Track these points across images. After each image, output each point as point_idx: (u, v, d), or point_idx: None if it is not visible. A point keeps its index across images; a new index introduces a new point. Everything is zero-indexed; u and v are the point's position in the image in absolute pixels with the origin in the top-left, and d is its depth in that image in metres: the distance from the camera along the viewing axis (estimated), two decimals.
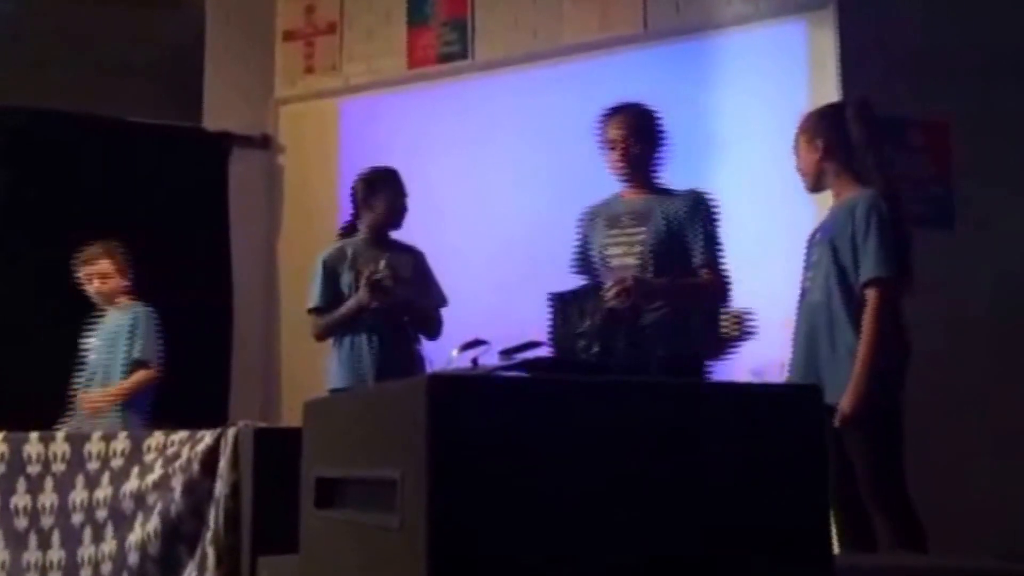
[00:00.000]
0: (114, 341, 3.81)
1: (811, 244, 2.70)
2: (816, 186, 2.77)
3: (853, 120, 2.66)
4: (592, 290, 2.85)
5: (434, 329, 3.56)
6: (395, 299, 3.41)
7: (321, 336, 3.56)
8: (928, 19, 3.80)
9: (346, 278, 3.50)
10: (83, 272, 3.81)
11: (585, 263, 3.10)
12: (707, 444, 1.34)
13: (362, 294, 3.37)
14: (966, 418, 3.61)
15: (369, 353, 3.43)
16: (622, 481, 1.29)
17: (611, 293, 2.76)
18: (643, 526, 1.29)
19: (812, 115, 2.83)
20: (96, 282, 3.78)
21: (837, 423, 2.45)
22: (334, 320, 3.48)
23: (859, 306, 2.52)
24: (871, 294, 2.49)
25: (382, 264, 3.37)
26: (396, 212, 3.52)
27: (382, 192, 3.53)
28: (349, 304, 3.43)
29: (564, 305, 2.79)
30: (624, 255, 2.96)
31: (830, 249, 2.58)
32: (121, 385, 3.76)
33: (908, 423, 3.34)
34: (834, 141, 2.67)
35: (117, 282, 3.81)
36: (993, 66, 3.80)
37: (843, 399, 2.46)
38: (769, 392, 1.52)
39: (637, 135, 2.97)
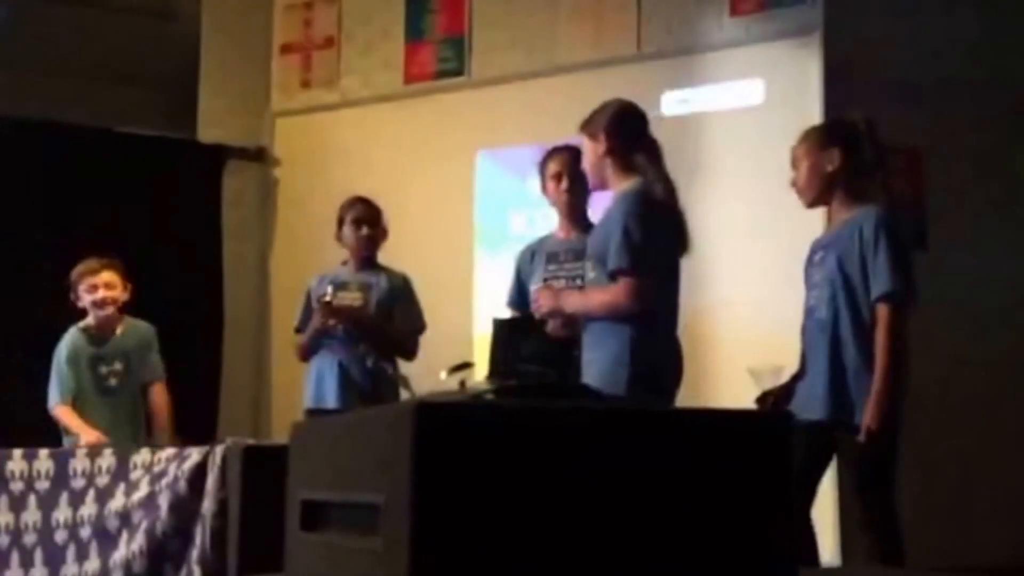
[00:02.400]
0: (133, 359, 3.68)
1: (812, 263, 2.68)
2: (819, 198, 2.72)
3: (866, 135, 2.65)
4: (533, 316, 2.95)
5: (407, 352, 3.65)
6: (362, 323, 3.54)
7: (299, 356, 3.71)
8: (914, 45, 3.86)
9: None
10: (87, 282, 3.64)
11: (520, 297, 3.25)
12: (686, 469, 1.35)
13: (315, 317, 3.54)
14: (940, 438, 3.64)
15: (332, 375, 3.55)
16: (604, 506, 1.29)
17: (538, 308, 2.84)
18: (623, 550, 1.29)
19: (827, 127, 2.80)
20: (102, 292, 3.62)
21: (863, 439, 2.45)
22: (304, 341, 3.64)
23: (866, 324, 2.51)
24: (884, 310, 2.49)
25: (329, 289, 3.52)
26: (359, 242, 3.62)
27: (345, 225, 3.65)
28: (310, 327, 3.58)
29: (506, 330, 2.87)
30: (564, 288, 3.08)
31: (838, 266, 2.56)
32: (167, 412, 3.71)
33: None
34: (848, 155, 2.63)
35: (121, 294, 3.67)
36: (965, 94, 3.87)
37: (866, 416, 2.46)
38: (741, 418, 1.53)
39: (575, 175, 3.07)
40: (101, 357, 3.66)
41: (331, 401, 3.52)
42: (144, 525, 2.52)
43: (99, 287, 3.63)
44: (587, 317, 2.74)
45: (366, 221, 3.63)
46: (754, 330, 3.64)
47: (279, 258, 4.96)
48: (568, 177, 3.13)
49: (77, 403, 3.59)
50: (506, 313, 3.29)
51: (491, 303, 3.89)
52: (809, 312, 2.64)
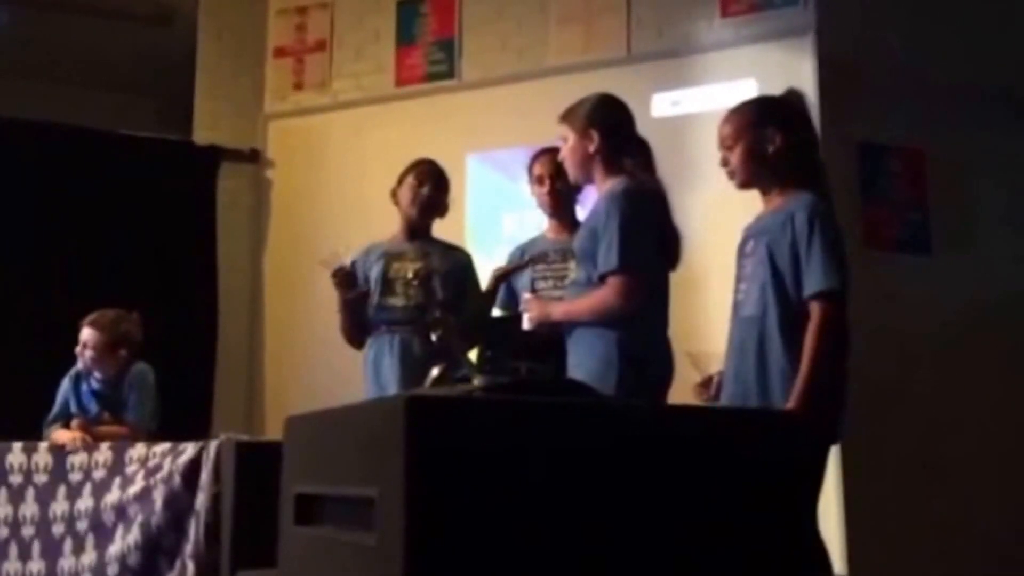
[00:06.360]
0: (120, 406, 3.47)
1: (744, 253, 2.47)
2: (753, 181, 2.48)
3: (800, 112, 2.46)
4: (520, 317, 2.91)
5: (473, 339, 3.22)
6: (429, 296, 3.23)
7: (345, 338, 3.38)
8: (906, 47, 3.86)
9: (375, 271, 3.31)
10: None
11: (509, 296, 3.24)
12: (696, 466, 1.35)
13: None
14: (940, 441, 3.65)
15: (391, 355, 3.23)
16: (599, 502, 1.30)
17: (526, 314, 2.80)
18: (622, 547, 1.30)
19: (761, 103, 2.52)
20: (78, 348, 3.37)
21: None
22: (342, 320, 3.33)
23: (795, 321, 2.29)
24: (816, 308, 2.25)
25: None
26: (419, 203, 3.33)
27: (404, 183, 3.38)
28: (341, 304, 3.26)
29: (493, 329, 2.87)
30: (552, 288, 3.08)
31: (768, 259, 2.35)
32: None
33: (878, 446, 3.39)
34: (787, 135, 2.41)
35: (100, 355, 3.38)
36: (968, 95, 3.87)
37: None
38: (767, 417, 1.53)
39: (561, 174, 2.97)
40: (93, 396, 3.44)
41: (393, 386, 3.16)
42: (139, 519, 2.55)
43: (78, 343, 3.37)
44: (578, 322, 2.66)
45: (431, 180, 3.33)
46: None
47: (272, 258, 4.98)
48: (550, 179, 3.13)
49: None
50: (496, 313, 3.30)
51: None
52: (736, 308, 2.45)
